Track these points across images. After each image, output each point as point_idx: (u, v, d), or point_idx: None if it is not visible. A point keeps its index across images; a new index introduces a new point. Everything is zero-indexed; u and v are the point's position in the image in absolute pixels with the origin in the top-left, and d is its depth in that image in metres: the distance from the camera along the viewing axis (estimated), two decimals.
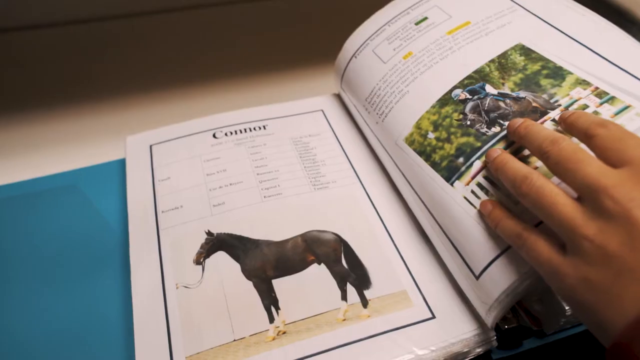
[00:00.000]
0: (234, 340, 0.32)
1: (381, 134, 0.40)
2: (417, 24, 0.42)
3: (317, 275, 0.35)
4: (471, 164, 0.33)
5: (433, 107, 0.37)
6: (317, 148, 0.44)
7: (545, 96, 0.33)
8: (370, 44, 0.44)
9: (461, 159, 0.34)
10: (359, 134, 0.46)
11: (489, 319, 0.30)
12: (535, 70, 0.35)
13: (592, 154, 0.26)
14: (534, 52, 0.36)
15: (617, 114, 0.30)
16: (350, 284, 0.34)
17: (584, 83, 0.33)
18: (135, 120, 0.51)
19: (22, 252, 0.39)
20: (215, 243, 0.36)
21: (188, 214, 0.39)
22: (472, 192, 0.32)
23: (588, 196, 0.24)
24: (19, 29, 0.62)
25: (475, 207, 0.31)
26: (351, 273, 0.35)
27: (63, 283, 0.37)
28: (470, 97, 0.36)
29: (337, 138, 0.45)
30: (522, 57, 0.36)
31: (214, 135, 0.45)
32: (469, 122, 0.35)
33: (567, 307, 0.32)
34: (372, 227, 0.38)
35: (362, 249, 0.36)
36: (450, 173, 0.34)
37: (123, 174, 0.44)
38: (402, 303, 0.33)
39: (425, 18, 0.42)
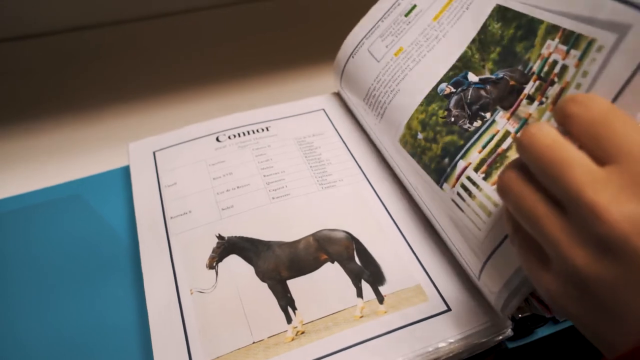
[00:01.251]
0: (253, 342, 0.32)
1: (380, 134, 0.40)
2: (406, 15, 0.41)
3: (331, 274, 0.35)
4: (455, 165, 0.32)
5: (421, 105, 0.36)
6: (321, 147, 0.44)
7: (520, 67, 0.31)
8: (366, 42, 0.44)
9: (446, 160, 0.33)
10: (362, 131, 0.46)
11: (499, 306, 0.31)
12: (511, 36, 0.33)
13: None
14: (509, 10, 0.33)
15: (581, 58, 0.27)
16: (365, 280, 0.34)
17: (553, 31, 0.30)
18: (136, 127, 0.51)
19: (28, 265, 0.38)
20: (227, 247, 0.36)
21: (197, 219, 0.39)
22: (458, 194, 0.32)
23: (576, 212, 0.19)
24: (15, 39, 0.61)
25: (462, 209, 0.32)
26: (365, 270, 0.35)
27: (72, 293, 0.36)
28: (454, 90, 0.35)
29: (340, 137, 0.45)
30: (499, 24, 0.34)
31: (217, 139, 0.45)
32: (453, 119, 0.34)
33: None
34: (382, 223, 0.38)
35: (373, 245, 0.36)
36: (439, 175, 0.33)
37: (126, 182, 0.44)
38: (417, 297, 0.33)
39: (414, 6, 0.41)
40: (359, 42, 0.44)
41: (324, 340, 0.31)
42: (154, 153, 0.44)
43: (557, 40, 0.29)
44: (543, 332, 0.34)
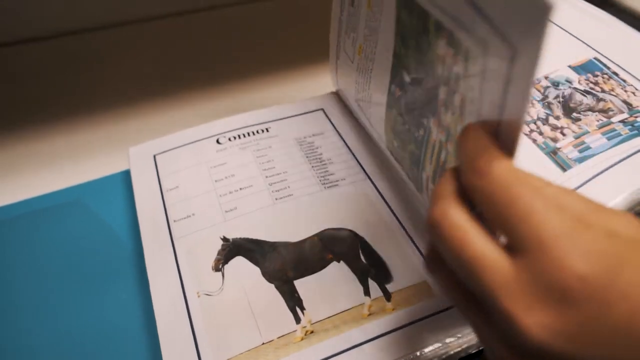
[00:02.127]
0: (263, 343, 0.32)
1: (376, 135, 0.40)
2: (352, 4, 0.35)
3: (338, 273, 0.35)
4: (421, 175, 0.30)
5: (388, 110, 0.32)
6: (322, 147, 0.44)
7: (430, 67, 0.26)
8: (341, 42, 0.41)
9: (415, 170, 0.31)
10: (361, 130, 0.46)
11: None
12: (416, 28, 0.27)
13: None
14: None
15: (465, 68, 0.22)
16: (372, 278, 0.35)
17: (440, 29, 0.24)
18: (134, 131, 0.50)
19: (30, 272, 0.38)
20: (232, 249, 0.36)
21: (201, 222, 0.39)
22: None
23: (499, 321, 0.17)
24: (10, 44, 0.61)
25: None
26: (371, 268, 0.35)
27: (77, 299, 0.36)
28: (400, 92, 0.30)
29: (340, 136, 0.45)
30: (406, 13, 0.27)
31: (217, 141, 0.45)
32: (407, 126, 0.30)
33: None
34: (386, 220, 0.38)
35: (378, 243, 0.36)
36: (416, 183, 0.33)
37: (127, 186, 0.44)
38: (424, 293, 0.34)
39: None
40: (337, 43, 0.41)
41: (333, 339, 0.31)
42: (154, 157, 0.44)
43: (444, 41, 0.23)
44: None
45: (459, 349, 0.31)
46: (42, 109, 0.53)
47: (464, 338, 0.31)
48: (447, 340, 0.31)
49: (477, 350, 0.32)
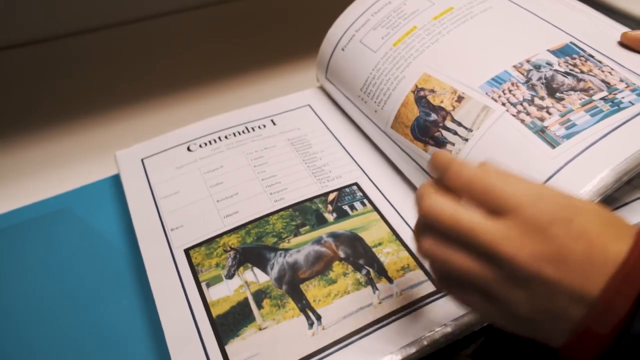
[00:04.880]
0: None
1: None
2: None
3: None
4: None
5: None
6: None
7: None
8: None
9: None
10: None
11: None
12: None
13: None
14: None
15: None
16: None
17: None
18: (119, 135, 0.49)
19: (25, 287, 0.37)
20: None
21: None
22: None
23: (497, 265, 0.23)
24: None
25: None
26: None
27: (77, 311, 0.36)
28: None
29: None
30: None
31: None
32: None
33: None
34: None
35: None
36: None
37: (116, 191, 0.43)
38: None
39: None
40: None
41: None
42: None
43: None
44: None
45: (464, 326, 0.32)
46: (21, 117, 0.51)
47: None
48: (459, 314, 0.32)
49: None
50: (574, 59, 0.36)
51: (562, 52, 0.36)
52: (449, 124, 0.36)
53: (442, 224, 0.24)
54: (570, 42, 0.37)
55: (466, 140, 0.34)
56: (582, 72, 0.35)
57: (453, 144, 0.35)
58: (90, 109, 0.52)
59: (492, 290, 0.23)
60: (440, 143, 0.36)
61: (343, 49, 0.45)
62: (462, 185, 0.24)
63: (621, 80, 0.34)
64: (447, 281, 0.26)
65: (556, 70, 0.35)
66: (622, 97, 0.33)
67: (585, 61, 0.35)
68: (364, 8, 0.46)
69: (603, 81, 0.34)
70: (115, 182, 0.44)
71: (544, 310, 0.22)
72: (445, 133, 0.36)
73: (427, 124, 0.37)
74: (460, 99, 0.36)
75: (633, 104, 0.32)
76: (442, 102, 0.37)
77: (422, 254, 0.26)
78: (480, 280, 0.23)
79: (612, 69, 0.35)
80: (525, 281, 0.22)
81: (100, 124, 0.51)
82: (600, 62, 0.35)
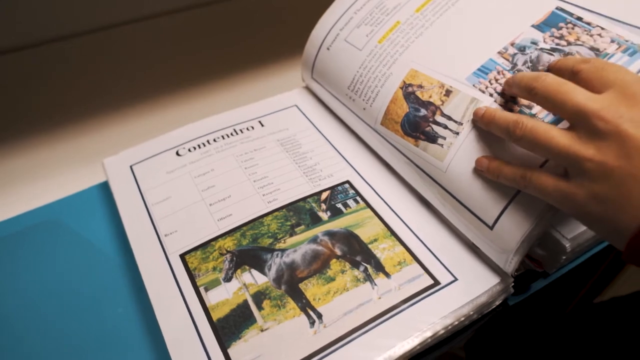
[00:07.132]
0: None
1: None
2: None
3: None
4: None
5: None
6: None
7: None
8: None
9: None
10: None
11: (510, 267, 0.33)
12: None
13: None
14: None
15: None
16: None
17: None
18: (105, 141, 0.48)
19: (15, 300, 0.36)
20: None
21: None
22: None
23: (580, 122, 0.26)
24: None
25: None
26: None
27: (73, 321, 0.35)
28: None
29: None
30: None
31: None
32: None
33: (567, 245, 0.35)
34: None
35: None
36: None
37: (105, 199, 0.42)
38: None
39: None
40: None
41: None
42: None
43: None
44: (536, 286, 0.37)
45: (463, 317, 0.33)
46: (3, 127, 0.50)
47: (467, 306, 0.33)
48: (454, 308, 0.32)
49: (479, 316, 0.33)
50: (560, 28, 0.35)
51: (547, 23, 0.35)
52: (439, 118, 0.36)
53: (550, 88, 0.28)
54: (557, 8, 0.36)
55: (457, 133, 0.35)
56: (568, 43, 0.34)
57: (444, 138, 0.36)
58: (75, 115, 0.51)
59: (569, 152, 0.26)
60: (432, 137, 0.36)
61: (328, 48, 0.45)
62: (540, 94, 0.29)
63: (612, 41, 0.33)
64: (526, 169, 0.29)
65: (542, 49, 0.34)
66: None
67: (573, 27, 0.35)
68: (346, 6, 0.46)
69: (592, 48, 0.33)
70: (104, 189, 0.43)
71: (621, 175, 0.24)
72: (435, 127, 0.36)
73: (417, 119, 0.37)
74: (448, 92, 0.36)
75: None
76: (430, 97, 0.37)
77: (511, 131, 0.30)
78: (563, 147, 0.27)
79: (602, 28, 0.34)
80: (607, 138, 0.25)
81: (86, 130, 0.50)
82: (589, 24, 0.34)
